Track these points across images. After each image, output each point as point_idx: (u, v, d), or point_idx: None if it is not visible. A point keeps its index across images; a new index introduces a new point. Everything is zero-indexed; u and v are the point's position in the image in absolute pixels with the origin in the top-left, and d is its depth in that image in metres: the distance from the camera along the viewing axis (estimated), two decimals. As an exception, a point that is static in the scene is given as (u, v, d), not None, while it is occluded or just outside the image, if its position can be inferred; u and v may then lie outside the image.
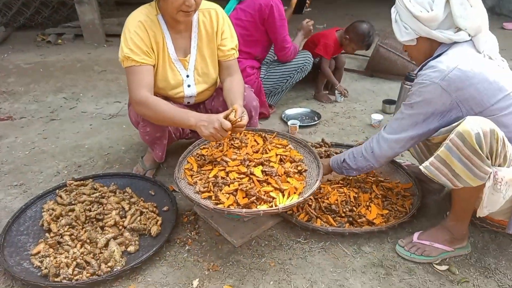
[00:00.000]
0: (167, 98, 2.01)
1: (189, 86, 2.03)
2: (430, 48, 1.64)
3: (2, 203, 2.10)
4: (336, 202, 1.91)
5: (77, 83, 3.68)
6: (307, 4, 3.16)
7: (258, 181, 1.70)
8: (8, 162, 2.47)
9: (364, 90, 3.54)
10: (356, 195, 1.96)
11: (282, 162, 1.84)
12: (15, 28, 5.43)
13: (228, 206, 1.60)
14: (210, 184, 1.71)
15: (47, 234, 1.80)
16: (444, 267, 1.71)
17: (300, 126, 2.78)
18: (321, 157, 2.11)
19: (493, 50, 1.61)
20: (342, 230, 1.80)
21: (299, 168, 1.81)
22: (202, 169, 1.83)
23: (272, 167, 1.77)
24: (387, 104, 3.07)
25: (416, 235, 1.79)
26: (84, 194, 1.99)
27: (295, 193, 1.68)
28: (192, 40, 1.99)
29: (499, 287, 1.62)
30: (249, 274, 1.66)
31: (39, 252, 1.71)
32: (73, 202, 1.94)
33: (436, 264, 1.73)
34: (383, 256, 1.76)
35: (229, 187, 1.68)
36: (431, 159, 1.48)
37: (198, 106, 2.21)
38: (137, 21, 1.84)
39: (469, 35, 1.55)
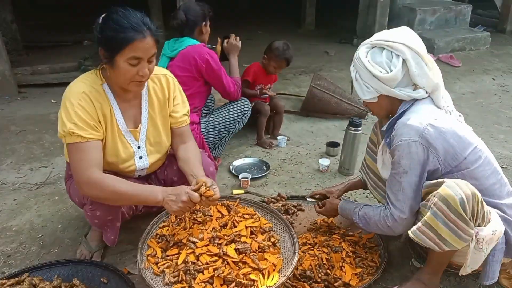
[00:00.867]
0: (115, 173, 1.82)
1: (140, 158, 1.86)
2: (390, 104, 1.72)
3: None
4: (310, 267, 1.85)
5: (-11, 147, 3.23)
6: None
7: (234, 262, 1.58)
8: None
9: (303, 131, 3.59)
10: (328, 256, 1.91)
11: (253, 235, 1.74)
12: None
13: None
14: (181, 272, 1.54)
15: None
16: (424, 324, 1.72)
17: (251, 179, 2.70)
18: (268, 211, 2.03)
19: (449, 105, 1.71)
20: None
21: (272, 239, 1.73)
22: (166, 254, 1.66)
23: (245, 242, 1.67)
24: (330, 147, 3.13)
25: (392, 292, 1.79)
26: (23, 296, 1.69)
27: (274, 270, 1.59)
28: (143, 109, 1.84)
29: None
30: None
31: None
32: (10, 311, 1.63)
33: (416, 322, 1.73)
34: (365, 320, 1.72)
35: (203, 274, 1.53)
36: (418, 224, 1.50)
37: (149, 177, 2.03)
38: (80, 93, 1.64)
39: (427, 92, 1.63)
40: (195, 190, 1.61)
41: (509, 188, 1.69)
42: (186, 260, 1.59)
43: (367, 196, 2.60)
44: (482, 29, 6.48)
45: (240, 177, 2.67)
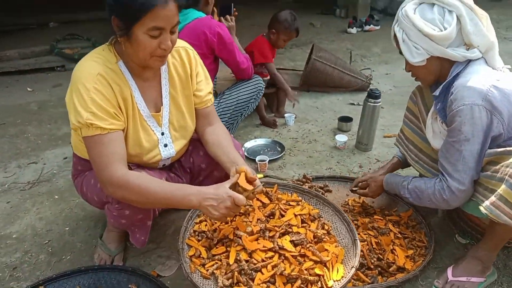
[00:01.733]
0: (139, 165, 1.59)
1: (165, 145, 1.62)
2: (440, 68, 1.57)
3: None
4: (361, 253, 1.70)
5: (-35, 145, 2.87)
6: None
7: (292, 256, 1.40)
8: None
9: (307, 107, 3.42)
10: (377, 240, 1.77)
11: (305, 224, 1.56)
12: None
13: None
14: (236, 273, 1.35)
15: None
16: (486, 302, 1.63)
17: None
18: (311, 195, 1.85)
19: (503, 65, 1.58)
20: (380, 285, 1.59)
21: (326, 227, 1.56)
22: (212, 253, 1.46)
23: (299, 233, 1.49)
24: (343, 121, 2.98)
25: (449, 272, 1.68)
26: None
27: (337, 261, 1.43)
28: (163, 89, 1.59)
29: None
30: None
31: None
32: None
33: (478, 300, 1.64)
34: (427, 305, 1.61)
35: (262, 273, 1.35)
36: (492, 198, 1.36)
37: (172, 165, 1.80)
38: (95, 74, 1.37)
39: (480, 52, 1.49)
40: (232, 187, 1.40)
41: None
42: (238, 258, 1.39)
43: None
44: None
45: (257, 160, 2.48)
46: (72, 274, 1.69)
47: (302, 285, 1.31)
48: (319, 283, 1.33)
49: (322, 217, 1.64)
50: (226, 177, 1.80)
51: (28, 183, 2.42)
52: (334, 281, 1.35)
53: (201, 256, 1.45)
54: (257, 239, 1.46)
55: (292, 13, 2.93)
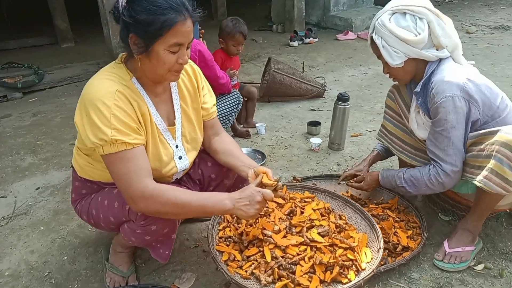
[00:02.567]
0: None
1: (180, 158, 1.64)
2: (415, 68, 1.80)
3: None
4: (370, 239, 1.84)
5: None
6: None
7: (324, 246, 1.49)
8: None
9: (273, 116, 3.56)
10: (380, 226, 1.92)
11: (324, 217, 1.66)
12: None
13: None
14: (276, 269, 1.41)
15: None
16: (480, 267, 1.84)
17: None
18: (319, 191, 1.98)
19: (467, 62, 1.84)
20: (392, 265, 1.74)
21: (343, 217, 1.67)
22: (246, 255, 1.50)
23: (322, 225, 1.59)
24: (312, 126, 3.15)
25: (446, 245, 1.87)
26: None
27: (363, 246, 1.54)
28: (174, 103, 1.62)
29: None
30: None
31: None
32: None
33: (474, 266, 1.84)
34: (432, 277, 1.78)
35: (301, 265, 1.42)
36: (484, 173, 1.58)
37: (181, 179, 1.80)
38: (114, 92, 1.37)
39: (449, 51, 1.73)
40: (259, 184, 1.47)
41: None
42: (274, 255, 1.45)
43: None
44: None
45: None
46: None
47: (340, 271, 1.41)
48: (353, 266, 1.44)
49: (335, 210, 1.75)
50: (236, 185, 1.86)
51: (3, 218, 2.24)
52: (366, 263, 1.46)
53: (235, 259, 1.48)
54: (285, 236, 1.53)
55: (234, 18, 2.95)
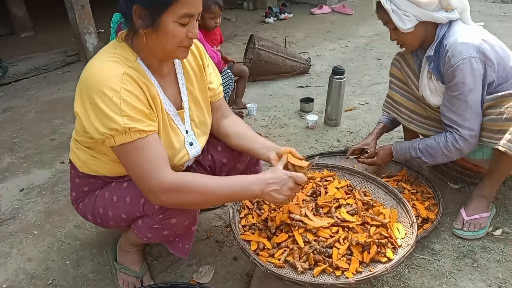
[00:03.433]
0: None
1: (191, 144, 1.50)
2: (425, 32, 1.74)
3: None
4: (390, 213, 1.79)
5: None
6: None
7: (357, 225, 1.42)
8: None
9: (261, 96, 3.44)
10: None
11: (349, 194, 1.59)
12: None
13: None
14: (311, 254, 1.33)
15: None
16: (498, 232, 1.84)
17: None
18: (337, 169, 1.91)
19: (475, 23, 1.79)
20: (416, 239, 1.69)
21: (367, 194, 1.61)
22: (276, 242, 1.41)
23: (349, 204, 1.51)
24: (305, 103, 3.06)
25: (463, 213, 1.86)
26: None
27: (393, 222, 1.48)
28: (180, 85, 1.47)
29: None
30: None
31: None
32: None
33: (492, 231, 1.84)
34: (454, 247, 1.76)
35: (337, 248, 1.34)
36: (508, 136, 1.54)
37: (190, 166, 1.67)
38: (120, 75, 1.21)
39: (458, 13, 1.68)
40: (286, 165, 1.38)
41: None
42: (307, 240, 1.37)
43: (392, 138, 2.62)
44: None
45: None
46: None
47: (378, 249, 1.34)
48: (389, 244, 1.37)
49: (356, 187, 1.68)
50: (248, 169, 1.76)
51: (-12, 225, 2.04)
52: (401, 239, 1.40)
53: (265, 248, 1.39)
54: (311, 219, 1.45)
55: None
